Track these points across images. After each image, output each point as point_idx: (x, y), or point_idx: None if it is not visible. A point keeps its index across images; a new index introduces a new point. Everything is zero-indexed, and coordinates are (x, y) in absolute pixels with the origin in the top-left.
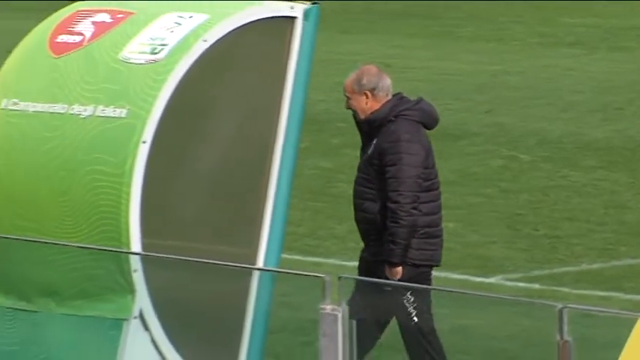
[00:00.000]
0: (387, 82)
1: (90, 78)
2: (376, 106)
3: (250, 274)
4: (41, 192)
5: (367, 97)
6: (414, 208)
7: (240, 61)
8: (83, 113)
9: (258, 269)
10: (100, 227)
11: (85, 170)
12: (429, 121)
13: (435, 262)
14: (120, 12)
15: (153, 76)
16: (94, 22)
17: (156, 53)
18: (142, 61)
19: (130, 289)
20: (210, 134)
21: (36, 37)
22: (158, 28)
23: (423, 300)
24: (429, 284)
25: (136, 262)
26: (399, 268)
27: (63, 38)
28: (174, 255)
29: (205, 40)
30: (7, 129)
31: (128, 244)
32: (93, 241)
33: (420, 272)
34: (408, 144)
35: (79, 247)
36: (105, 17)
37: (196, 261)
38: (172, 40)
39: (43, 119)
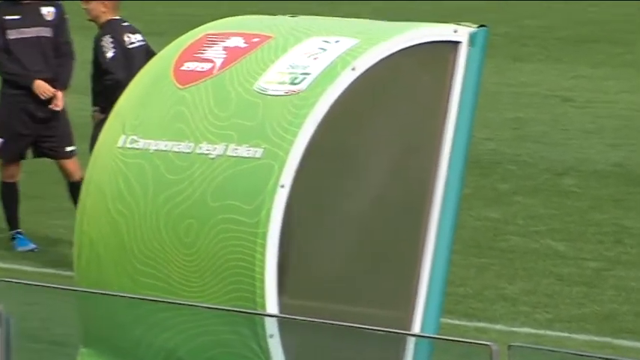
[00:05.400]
0: None
1: (220, 112)
2: None
3: (405, 341)
4: (163, 244)
5: None
6: None
7: (395, 93)
8: (212, 153)
9: (414, 335)
10: (231, 285)
11: (215, 219)
12: None
13: None
14: (256, 35)
15: (293, 110)
16: (225, 48)
17: (297, 84)
18: (281, 93)
19: (265, 357)
20: (359, 178)
21: (159, 64)
22: (300, 55)
23: None
24: None
25: (272, 326)
26: None
27: (190, 66)
28: (316, 318)
29: (354, 69)
30: (125, 171)
31: (263, 305)
32: (223, 302)
33: None
34: None
35: (207, 307)
36: (238, 42)
37: (342, 325)
38: (316, 69)
39: (166, 159)
